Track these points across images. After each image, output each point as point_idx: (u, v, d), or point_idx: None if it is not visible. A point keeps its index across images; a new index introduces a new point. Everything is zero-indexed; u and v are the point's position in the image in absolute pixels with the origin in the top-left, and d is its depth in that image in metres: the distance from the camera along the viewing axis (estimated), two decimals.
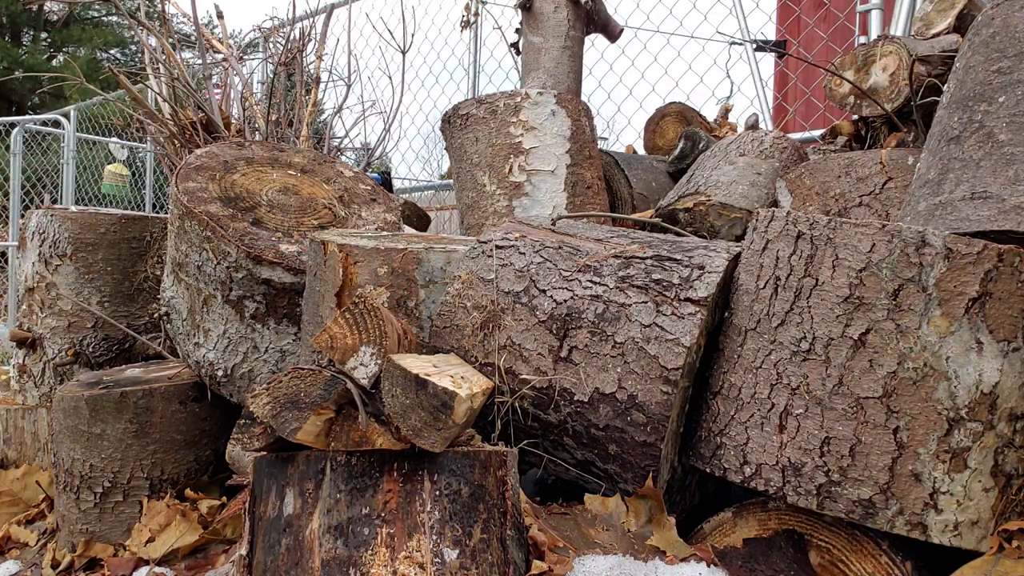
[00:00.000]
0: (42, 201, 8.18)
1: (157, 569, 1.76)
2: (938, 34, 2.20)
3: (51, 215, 2.61)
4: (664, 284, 1.37)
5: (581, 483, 1.47)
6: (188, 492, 1.97)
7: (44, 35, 17.15)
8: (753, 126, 2.92)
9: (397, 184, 6.02)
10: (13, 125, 7.03)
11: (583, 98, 3.18)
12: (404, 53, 3.76)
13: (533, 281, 1.45)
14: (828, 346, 1.24)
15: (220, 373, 1.94)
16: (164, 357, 2.52)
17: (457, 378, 1.18)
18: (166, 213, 2.29)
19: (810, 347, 1.25)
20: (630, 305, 1.36)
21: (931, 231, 1.19)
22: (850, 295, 1.23)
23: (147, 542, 1.84)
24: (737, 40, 4.00)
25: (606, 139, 5.21)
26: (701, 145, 2.92)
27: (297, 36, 3.66)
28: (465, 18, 4.71)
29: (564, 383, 1.38)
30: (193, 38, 3.52)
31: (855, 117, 2.47)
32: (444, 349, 1.49)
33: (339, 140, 3.79)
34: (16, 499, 2.36)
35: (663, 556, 1.27)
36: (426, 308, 1.56)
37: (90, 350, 2.61)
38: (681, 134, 3.03)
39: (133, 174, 8.03)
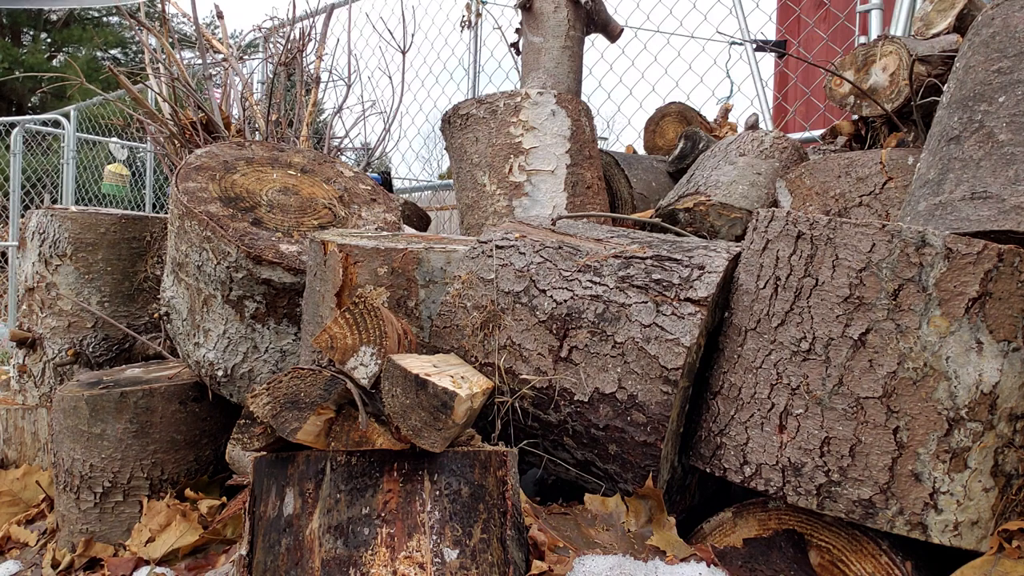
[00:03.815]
0: (42, 201, 8.18)
1: (157, 569, 1.76)
2: (938, 34, 2.20)
3: (51, 215, 2.61)
4: (664, 284, 1.37)
5: (581, 483, 1.47)
6: (188, 492, 1.97)
7: (44, 35, 17.15)
8: (753, 126, 2.93)
9: (397, 184, 6.02)
10: (13, 125, 7.03)
11: (583, 98, 3.18)
12: (404, 53, 3.76)
13: (533, 281, 1.45)
14: (828, 346, 1.24)
15: (220, 373, 1.94)
16: (164, 357, 2.52)
17: (457, 378, 1.18)
18: (166, 213, 2.29)
19: (810, 347, 1.25)
20: (630, 305, 1.36)
21: (931, 231, 1.19)
22: (850, 295, 1.23)
23: (147, 542, 1.84)
24: (737, 40, 4.00)
25: (606, 139, 5.21)
26: (701, 145, 2.92)
27: (297, 36, 3.66)
28: (465, 18, 4.71)
29: (564, 383, 1.38)
30: (193, 38, 3.52)
31: (855, 117, 2.47)
32: (444, 349, 1.49)
33: (339, 140, 3.79)
34: (16, 499, 2.36)
35: (663, 556, 1.27)
36: (426, 308, 1.56)
37: (90, 350, 2.61)
38: (681, 134, 3.03)
39: (133, 174, 8.03)
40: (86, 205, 7.04)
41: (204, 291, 1.92)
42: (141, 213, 2.86)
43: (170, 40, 3.40)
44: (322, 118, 4.77)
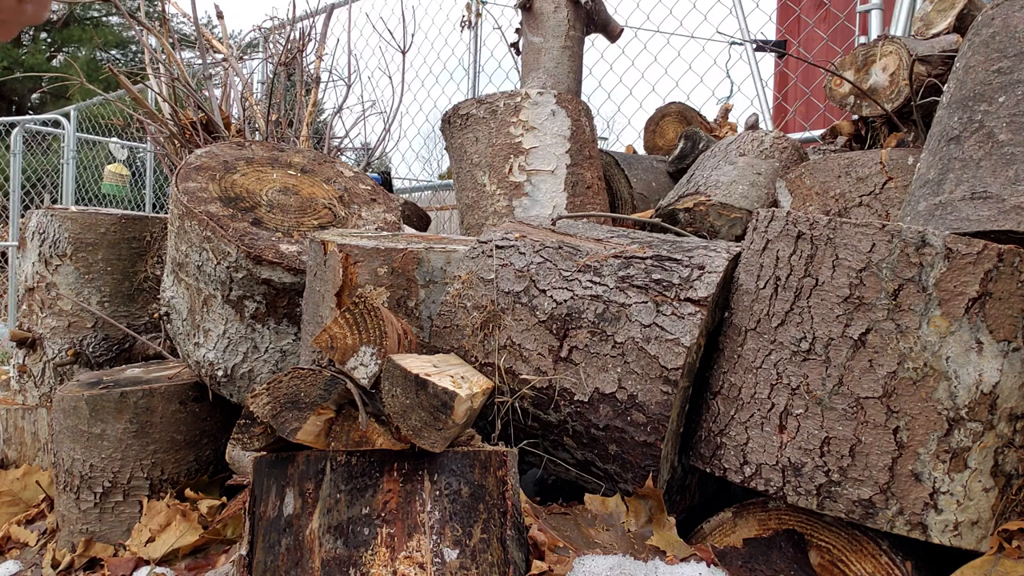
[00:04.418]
0: (42, 201, 8.18)
1: (157, 569, 1.76)
2: (938, 34, 2.20)
3: (51, 215, 2.61)
4: (664, 284, 1.37)
5: (581, 483, 1.47)
6: (188, 492, 1.97)
7: (44, 35, 17.15)
8: (753, 126, 2.93)
9: (397, 184, 6.02)
10: (13, 125, 7.04)
11: (583, 98, 3.18)
12: (404, 53, 3.76)
13: (533, 281, 1.45)
14: (828, 346, 1.24)
15: (220, 373, 1.94)
16: (164, 357, 2.52)
17: (457, 378, 1.18)
18: (166, 213, 2.29)
19: (810, 347, 1.25)
20: (630, 305, 1.36)
21: (931, 231, 1.19)
22: (850, 295, 1.23)
23: (147, 542, 1.84)
24: (737, 40, 4.01)
25: (606, 139, 5.21)
26: (701, 145, 2.92)
27: (297, 36, 3.66)
28: (465, 18, 4.71)
29: (564, 383, 1.38)
30: (193, 38, 3.52)
31: (855, 117, 2.47)
32: (444, 349, 1.49)
33: (339, 140, 3.79)
34: (16, 499, 2.36)
35: (663, 556, 1.27)
36: (426, 308, 1.56)
37: (90, 350, 2.61)
38: (681, 134, 3.03)
39: (133, 174, 8.04)
40: (86, 205, 7.05)
41: (204, 291, 1.92)
42: (141, 213, 2.86)
43: (170, 40, 3.40)
44: (322, 118, 4.77)
